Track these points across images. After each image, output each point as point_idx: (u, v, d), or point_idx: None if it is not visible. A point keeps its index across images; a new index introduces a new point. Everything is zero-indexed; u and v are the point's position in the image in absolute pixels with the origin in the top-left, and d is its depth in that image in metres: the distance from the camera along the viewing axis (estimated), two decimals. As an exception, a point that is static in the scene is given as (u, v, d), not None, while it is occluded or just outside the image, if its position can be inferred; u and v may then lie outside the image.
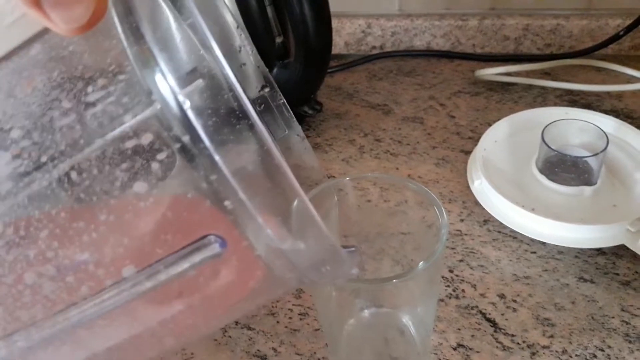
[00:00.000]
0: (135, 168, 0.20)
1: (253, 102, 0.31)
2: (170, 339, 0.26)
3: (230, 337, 0.39)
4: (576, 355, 0.36)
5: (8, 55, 0.22)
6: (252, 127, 0.19)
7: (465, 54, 0.64)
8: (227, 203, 0.19)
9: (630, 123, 0.52)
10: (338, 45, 0.69)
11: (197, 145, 0.18)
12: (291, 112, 0.32)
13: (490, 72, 0.58)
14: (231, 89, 0.19)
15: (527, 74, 0.60)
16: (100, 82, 0.20)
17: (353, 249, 0.25)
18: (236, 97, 0.19)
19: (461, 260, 0.43)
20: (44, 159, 0.20)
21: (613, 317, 0.38)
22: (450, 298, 0.40)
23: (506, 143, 0.50)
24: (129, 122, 0.19)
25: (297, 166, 0.33)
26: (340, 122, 0.58)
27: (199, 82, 0.19)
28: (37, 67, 0.22)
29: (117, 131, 0.19)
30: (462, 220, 0.46)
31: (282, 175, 0.20)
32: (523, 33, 0.63)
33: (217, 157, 0.18)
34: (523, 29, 0.62)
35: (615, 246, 0.41)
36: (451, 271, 0.42)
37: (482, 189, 0.46)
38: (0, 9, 0.23)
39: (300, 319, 0.40)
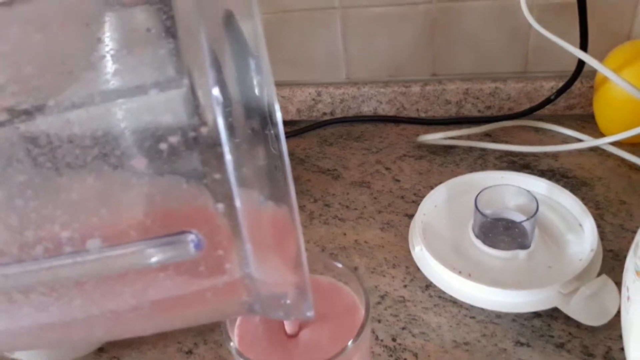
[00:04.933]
0: (141, 141, 0.19)
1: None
2: (101, 330, 0.24)
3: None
4: (512, 421, 0.37)
5: None
6: (276, 142, 0.19)
7: (410, 118, 0.67)
8: (219, 206, 0.19)
9: (565, 182, 0.55)
10: (290, 112, 0.71)
11: (212, 139, 0.18)
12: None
13: (432, 137, 0.61)
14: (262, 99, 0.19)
15: (469, 136, 0.62)
16: (136, 48, 0.20)
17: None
18: (268, 107, 0.19)
19: (404, 328, 0.44)
20: (51, 102, 0.19)
21: (548, 381, 0.39)
22: (392, 367, 0.41)
23: (445, 207, 0.52)
24: (152, 96, 0.19)
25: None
26: (291, 189, 0.59)
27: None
28: (75, 13, 0.21)
29: (137, 100, 0.19)
30: (405, 286, 0.47)
31: (287, 204, 0.20)
32: (464, 97, 0.65)
33: (228, 157, 0.18)
34: (463, 93, 0.65)
35: (549, 309, 0.43)
36: (394, 340, 0.43)
37: (422, 255, 0.47)
38: None
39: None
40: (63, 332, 0.24)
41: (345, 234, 0.53)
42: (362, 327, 0.31)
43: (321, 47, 0.66)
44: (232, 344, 0.30)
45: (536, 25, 0.52)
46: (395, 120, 0.67)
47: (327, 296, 0.34)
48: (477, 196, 0.47)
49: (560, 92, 0.59)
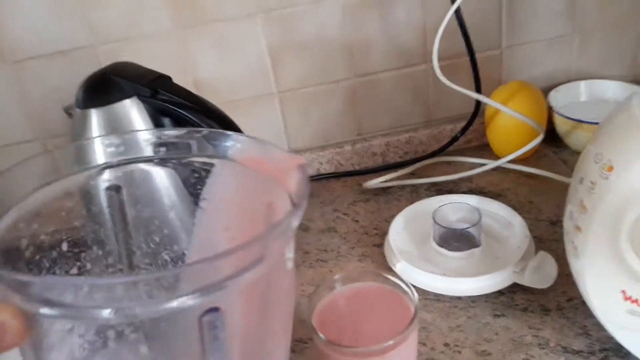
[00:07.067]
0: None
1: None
2: None
3: None
4: (512, 369, 0.49)
5: None
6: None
7: (348, 172, 0.80)
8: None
9: (484, 196, 0.70)
10: (241, 186, 0.81)
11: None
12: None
13: (374, 182, 0.74)
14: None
15: (399, 177, 0.76)
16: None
17: None
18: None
19: (407, 327, 0.54)
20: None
21: (526, 335, 0.52)
22: (410, 358, 0.51)
23: (406, 232, 0.64)
24: None
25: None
26: (266, 248, 0.68)
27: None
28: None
29: None
30: (395, 298, 0.58)
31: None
32: (386, 148, 0.80)
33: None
34: (385, 145, 0.80)
35: (509, 286, 0.56)
36: (402, 338, 0.54)
37: (403, 268, 0.59)
38: None
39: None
40: None
41: (331, 271, 0.63)
42: (414, 317, 0.41)
43: (265, 125, 0.78)
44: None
45: (444, 79, 0.67)
46: (336, 175, 0.79)
47: (384, 298, 0.44)
48: (433, 214, 0.60)
49: (464, 130, 0.75)
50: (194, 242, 0.41)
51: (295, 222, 0.30)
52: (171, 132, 0.39)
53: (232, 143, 0.37)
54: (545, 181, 0.72)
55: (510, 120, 0.72)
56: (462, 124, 0.77)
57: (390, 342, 0.40)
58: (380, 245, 0.65)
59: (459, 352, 0.51)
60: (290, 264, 0.32)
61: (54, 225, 0.36)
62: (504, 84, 0.75)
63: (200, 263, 0.25)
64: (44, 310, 0.24)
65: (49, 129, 0.74)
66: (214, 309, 0.27)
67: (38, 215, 0.34)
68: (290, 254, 0.32)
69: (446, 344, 0.52)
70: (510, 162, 0.73)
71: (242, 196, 0.39)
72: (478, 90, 0.71)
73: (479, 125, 0.79)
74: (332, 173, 0.80)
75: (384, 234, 0.66)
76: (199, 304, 0.25)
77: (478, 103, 0.73)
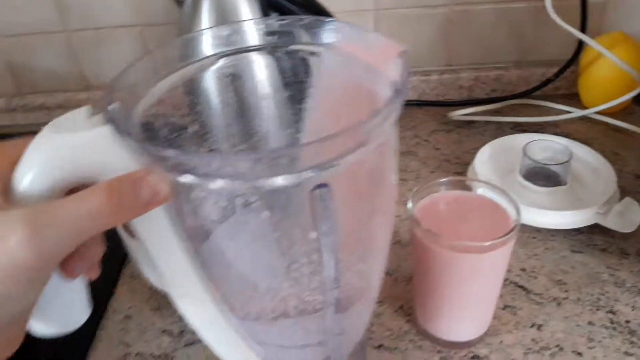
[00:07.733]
0: None
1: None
2: None
3: None
4: (587, 300, 0.50)
5: None
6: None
7: (432, 101, 0.80)
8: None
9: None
10: (323, 101, 0.82)
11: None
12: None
13: (459, 113, 0.74)
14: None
15: (483, 113, 0.76)
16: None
17: None
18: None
19: (484, 250, 0.56)
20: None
21: (603, 273, 0.53)
22: (485, 276, 0.53)
23: (490, 163, 0.65)
24: None
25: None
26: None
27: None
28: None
29: None
30: (474, 222, 0.59)
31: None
32: (474, 82, 0.80)
33: None
34: (473, 79, 0.79)
35: (587, 226, 0.56)
36: (479, 258, 0.55)
37: (485, 194, 0.60)
38: None
39: (379, 306, 0.50)
40: None
41: (410, 190, 0.64)
42: (516, 225, 0.42)
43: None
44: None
45: (555, 16, 0.66)
46: (419, 103, 0.79)
47: (484, 208, 0.45)
48: (525, 147, 0.61)
49: (559, 73, 0.74)
50: (306, 128, 0.42)
51: (396, 109, 0.31)
52: (275, 22, 0.40)
53: (334, 31, 0.38)
54: (633, 136, 0.71)
55: (607, 69, 0.71)
56: (555, 69, 0.76)
57: (491, 242, 0.41)
58: (461, 173, 0.66)
59: (535, 277, 0.53)
60: (392, 155, 0.34)
61: (180, 112, 0.39)
62: (606, 33, 0.73)
63: (314, 143, 0.28)
64: (182, 178, 0.28)
65: (149, 16, 0.75)
66: (323, 185, 0.29)
67: (164, 103, 0.37)
68: (393, 144, 0.34)
69: (523, 269, 0.54)
70: (598, 112, 0.72)
71: (346, 84, 0.40)
72: (583, 29, 0.70)
73: (569, 74, 0.78)
74: (415, 100, 0.80)
75: (465, 164, 0.67)
76: (310, 179, 0.28)
77: (578, 47, 0.71)
